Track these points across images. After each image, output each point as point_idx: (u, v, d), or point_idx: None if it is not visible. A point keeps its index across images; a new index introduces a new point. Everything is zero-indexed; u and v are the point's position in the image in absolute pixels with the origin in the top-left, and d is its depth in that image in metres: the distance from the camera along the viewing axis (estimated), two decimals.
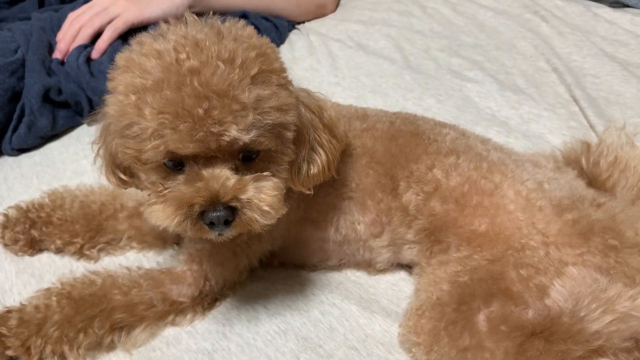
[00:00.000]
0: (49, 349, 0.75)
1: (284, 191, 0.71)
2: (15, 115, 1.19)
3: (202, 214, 0.65)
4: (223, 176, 0.66)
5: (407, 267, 0.86)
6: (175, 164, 0.68)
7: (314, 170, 0.75)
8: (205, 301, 0.82)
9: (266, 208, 0.67)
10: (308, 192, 0.77)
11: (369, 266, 0.86)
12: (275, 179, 0.69)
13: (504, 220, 0.73)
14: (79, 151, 1.19)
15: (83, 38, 1.28)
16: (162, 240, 0.95)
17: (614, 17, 1.49)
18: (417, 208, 0.78)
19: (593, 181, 0.84)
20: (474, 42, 1.49)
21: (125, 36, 1.29)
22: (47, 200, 0.97)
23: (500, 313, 0.67)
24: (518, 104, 1.22)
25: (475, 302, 0.69)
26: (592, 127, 1.12)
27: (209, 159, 0.66)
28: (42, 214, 0.95)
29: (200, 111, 0.61)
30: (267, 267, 0.89)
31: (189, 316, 0.81)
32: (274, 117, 0.65)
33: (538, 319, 0.66)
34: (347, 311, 0.80)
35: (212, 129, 0.62)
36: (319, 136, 0.75)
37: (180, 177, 0.68)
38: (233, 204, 0.65)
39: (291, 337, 0.77)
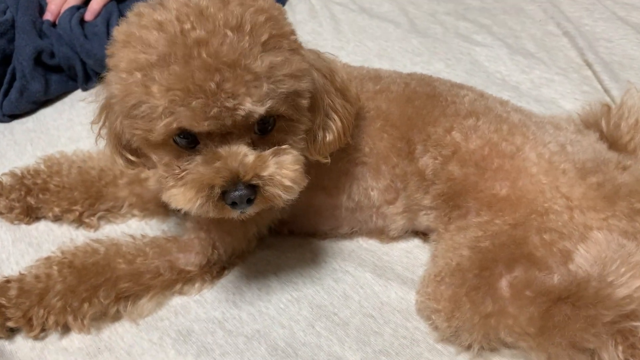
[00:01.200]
0: (52, 319, 0.73)
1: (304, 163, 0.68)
2: (6, 80, 1.15)
3: (223, 194, 0.63)
4: (241, 153, 0.63)
5: (421, 234, 0.84)
6: (189, 142, 0.64)
7: (329, 137, 0.72)
8: (213, 270, 0.80)
9: (289, 183, 0.65)
10: (325, 161, 0.74)
11: (381, 234, 0.84)
12: (295, 152, 0.67)
13: (526, 183, 0.70)
14: (73, 117, 1.15)
15: None
16: (165, 208, 0.92)
17: None
18: (435, 172, 0.76)
19: (614, 144, 0.82)
20: (481, 5, 1.45)
21: None
22: (42, 166, 0.94)
23: (524, 278, 0.66)
24: (529, 68, 1.19)
25: (498, 268, 0.67)
26: (606, 91, 1.09)
27: (224, 135, 0.63)
28: (39, 181, 0.91)
29: (213, 85, 0.58)
30: (276, 235, 0.86)
31: (197, 285, 0.79)
32: (288, 84, 0.62)
33: (564, 284, 0.64)
34: (361, 278, 0.78)
35: (227, 104, 0.58)
36: (332, 101, 0.72)
37: (197, 158, 0.64)
38: (254, 182, 0.63)
39: (304, 305, 0.75)
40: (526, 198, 0.70)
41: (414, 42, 1.29)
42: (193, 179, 0.64)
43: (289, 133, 0.67)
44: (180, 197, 0.64)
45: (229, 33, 0.59)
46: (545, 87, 1.14)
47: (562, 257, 0.67)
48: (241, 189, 0.62)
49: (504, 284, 0.66)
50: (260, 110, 0.60)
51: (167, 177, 0.66)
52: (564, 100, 1.10)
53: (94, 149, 0.99)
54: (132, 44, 0.61)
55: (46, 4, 1.24)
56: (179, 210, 0.90)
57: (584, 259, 0.66)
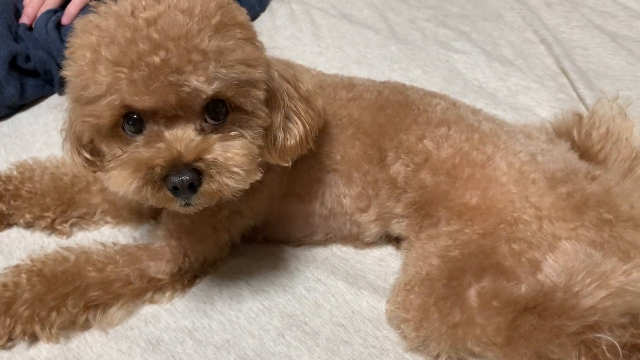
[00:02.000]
0: (18, 329, 0.71)
1: (259, 157, 0.67)
2: None
3: (164, 179, 0.61)
4: (187, 137, 0.62)
5: (395, 241, 0.84)
6: (136, 129, 0.63)
7: (290, 141, 0.71)
8: (184, 278, 0.79)
9: (235, 169, 0.62)
10: (286, 165, 0.73)
11: (356, 240, 0.84)
12: (244, 140, 0.65)
13: (496, 193, 0.71)
14: (49, 122, 1.14)
15: (52, 3, 1.22)
16: (138, 214, 0.92)
17: None
18: (407, 180, 0.76)
19: (584, 153, 0.83)
20: (461, 12, 1.46)
21: None
22: (15, 172, 0.93)
23: (492, 288, 0.66)
24: (506, 76, 1.20)
25: (466, 277, 0.67)
26: (581, 99, 1.10)
27: (170, 118, 0.62)
28: (10, 187, 0.90)
29: (157, 59, 0.57)
30: (250, 242, 0.86)
31: (167, 294, 0.78)
32: (240, 71, 0.61)
33: (531, 294, 0.64)
34: (333, 287, 0.78)
35: (170, 78, 0.58)
36: (295, 105, 0.72)
37: (139, 138, 0.63)
38: (197, 165, 0.60)
39: (275, 315, 0.75)
40: (496, 207, 0.70)
41: (393, 49, 1.30)
42: (130, 158, 0.62)
43: (243, 127, 0.66)
44: (117, 178, 0.63)
45: (179, 14, 0.59)
46: (522, 95, 1.15)
47: (530, 267, 0.67)
48: (183, 173, 0.60)
49: (472, 293, 0.66)
50: (207, 90, 0.59)
51: (110, 162, 0.65)
52: (540, 108, 1.11)
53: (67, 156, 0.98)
54: (87, 30, 0.62)
55: (22, 7, 1.23)
56: (153, 218, 0.91)
57: (552, 269, 0.66)
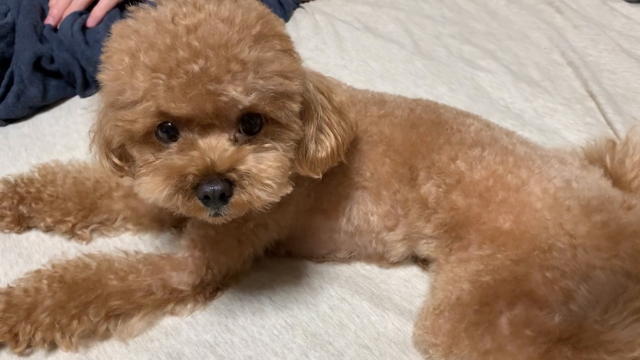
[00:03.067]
0: (39, 336, 0.71)
1: (290, 169, 0.66)
2: (4, 83, 1.13)
3: (196, 188, 0.60)
4: (221, 146, 0.62)
5: (421, 262, 0.83)
6: (170, 136, 0.63)
7: (322, 153, 0.71)
8: (207, 290, 0.78)
9: (267, 181, 0.62)
10: (316, 177, 0.72)
11: (381, 259, 0.83)
12: (278, 152, 0.65)
13: (530, 218, 0.70)
14: (70, 124, 1.14)
15: (78, 4, 1.22)
16: (160, 223, 0.91)
17: (631, 13, 1.46)
18: (438, 201, 0.75)
19: (617, 181, 0.82)
20: (486, 29, 1.46)
21: (123, 4, 1.23)
22: (37, 175, 0.92)
23: (525, 317, 0.65)
24: (532, 97, 1.19)
25: (498, 304, 0.66)
26: (609, 124, 1.09)
27: (205, 127, 0.62)
28: (32, 190, 0.90)
29: (196, 67, 0.57)
30: (272, 256, 0.85)
31: (189, 306, 0.77)
32: (277, 82, 0.61)
33: (564, 324, 0.63)
34: (358, 307, 0.77)
35: (209, 87, 0.57)
36: (328, 117, 0.71)
37: (173, 145, 0.63)
38: (229, 175, 0.60)
39: (299, 333, 0.74)
40: (529, 233, 0.69)
41: (418, 64, 1.29)
42: (163, 165, 0.62)
43: (276, 139, 0.65)
44: (148, 184, 0.62)
45: (220, 23, 0.59)
46: (549, 117, 1.14)
47: (563, 296, 0.66)
48: (216, 183, 0.60)
49: (503, 321, 0.65)
50: (245, 100, 0.59)
51: (141, 168, 0.65)
52: (567, 131, 1.10)
53: (89, 158, 0.97)
54: (126, 35, 0.61)
55: (48, 8, 1.23)
56: (174, 227, 0.90)
57: (585, 299, 0.65)
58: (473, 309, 0.66)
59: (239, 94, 0.58)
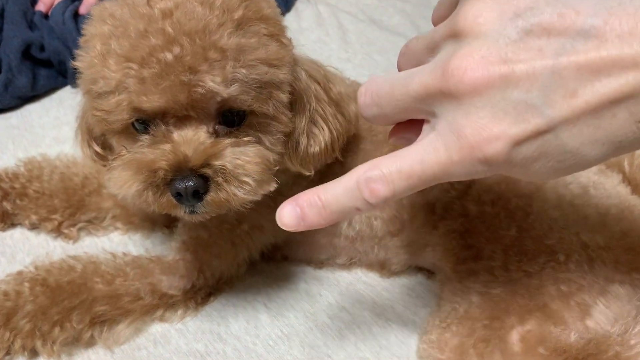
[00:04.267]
0: (18, 343, 0.67)
1: (276, 165, 0.62)
2: None
3: (169, 183, 0.56)
4: (196, 140, 0.57)
5: (425, 270, 0.79)
6: (145, 127, 0.59)
7: (314, 148, 0.66)
8: (198, 295, 0.74)
9: (245, 178, 0.57)
10: (308, 174, 0.68)
11: (382, 268, 0.79)
12: (259, 146, 0.60)
13: (545, 228, 0.66)
14: (60, 116, 1.09)
15: None
16: (151, 222, 0.87)
17: None
18: (446, 207, 0.71)
19: (636, 188, 0.77)
20: None
21: None
22: (22, 169, 0.88)
23: (538, 333, 0.61)
24: None
25: (509, 319, 0.62)
26: None
27: (181, 119, 0.57)
28: (17, 185, 0.85)
29: (169, 56, 0.52)
30: (268, 261, 0.81)
31: (180, 312, 0.73)
32: (261, 71, 0.56)
33: (581, 342, 0.59)
34: (359, 317, 0.73)
35: (182, 77, 0.53)
36: (322, 109, 0.66)
37: (145, 138, 0.59)
38: (204, 171, 0.56)
39: (296, 344, 0.70)
40: (544, 244, 0.65)
41: None
42: (132, 159, 0.58)
43: (262, 131, 0.61)
44: (117, 180, 0.58)
45: (198, 6, 0.54)
46: None
47: (579, 311, 0.62)
48: (189, 179, 0.55)
49: (515, 337, 0.61)
50: (223, 92, 0.54)
51: (113, 162, 0.61)
52: None
53: (78, 152, 0.93)
54: (102, 18, 0.57)
55: None
56: (166, 226, 0.86)
57: (603, 315, 0.61)
58: (482, 324, 0.62)
59: (216, 85, 0.53)
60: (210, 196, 0.57)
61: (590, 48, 0.35)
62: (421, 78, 0.41)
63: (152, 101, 0.54)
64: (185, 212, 0.59)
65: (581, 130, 0.37)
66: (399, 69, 0.48)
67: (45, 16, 1.16)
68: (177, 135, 0.58)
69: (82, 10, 1.16)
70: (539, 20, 0.37)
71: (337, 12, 1.43)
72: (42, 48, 1.12)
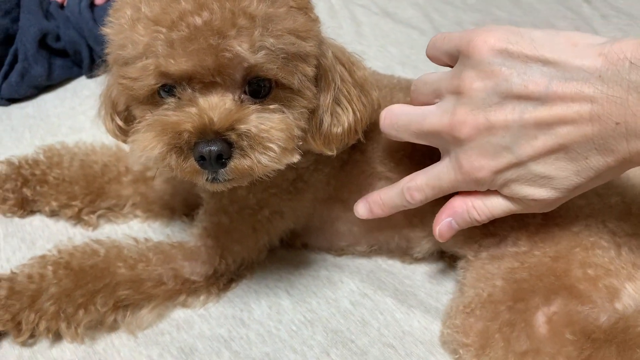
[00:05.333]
0: (43, 325, 0.67)
1: (300, 140, 0.62)
2: (7, 61, 1.10)
3: (192, 148, 0.56)
4: (222, 105, 0.58)
5: (448, 257, 0.79)
6: (171, 92, 0.59)
7: (337, 127, 0.66)
8: (220, 281, 0.75)
9: (269, 144, 0.57)
10: (330, 153, 0.68)
11: (404, 254, 0.80)
12: (286, 114, 0.60)
13: (571, 215, 0.66)
14: (76, 106, 1.10)
15: None
16: (170, 210, 0.88)
17: None
18: None
19: None
20: (509, 17, 1.42)
21: None
22: (42, 156, 0.89)
23: (564, 314, 0.61)
24: None
25: (534, 300, 0.62)
26: None
27: (208, 85, 0.58)
28: (37, 172, 0.86)
29: (199, 20, 0.53)
30: (288, 248, 0.82)
31: (202, 297, 0.74)
32: (288, 42, 0.56)
33: (609, 323, 0.60)
34: (381, 303, 0.73)
35: (211, 41, 0.53)
36: (347, 90, 0.67)
37: (171, 102, 0.59)
38: (228, 135, 0.56)
39: (319, 329, 0.70)
40: (570, 230, 0.65)
41: None
42: (157, 120, 0.58)
43: (286, 105, 0.61)
44: (140, 142, 0.58)
45: None
46: None
47: (607, 293, 0.62)
48: (213, 143, 0.55)
49: (540, 319, 0.61)
50: (251, 58, 0.54)
51: (137, 126, 0.61)
52: None
53: (96, 141, 0.94)
54: None
55: None
56: (185, 214, 0.87)
57: (632, 299, 0.62)
58: (506, 306, 0.63)
59: (244, 50, 0.54)
60: (233, 162, 0.57)
61: (544, 109, 0.54)
62: (432, 120, 0.61)
63: (179, 64, 0.54)
64: (207, 179, 0.58)
65: (545, 161, 0.56)
66: (413, 102, 0.67)
67: (61, 6, 1.17)
68: (203, 100, 0.58)
69: (98, 0, 1.17)
70: (511, 89, 0.55)
71: (349, 4, 1.44)
72: (57, 38, 1.13)
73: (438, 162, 0.64)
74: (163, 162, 0.58)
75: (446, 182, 0.63)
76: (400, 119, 0.65)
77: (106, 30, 0.59)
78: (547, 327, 0.61)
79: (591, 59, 0.52)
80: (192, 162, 0.57)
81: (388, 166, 0.75)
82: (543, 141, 0.55)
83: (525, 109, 0.55)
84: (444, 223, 0.65)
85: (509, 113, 0.55)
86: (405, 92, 0.79)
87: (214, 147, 0.55)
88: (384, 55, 1.26)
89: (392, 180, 0.74)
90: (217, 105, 0.57)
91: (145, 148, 0.58)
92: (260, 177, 0.60)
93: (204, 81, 0.57)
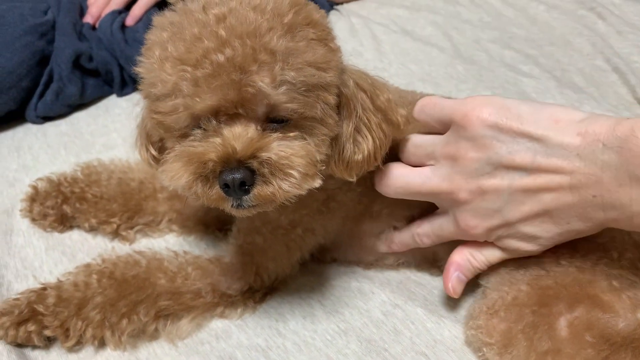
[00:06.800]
0: (89, 332, 0.72)
1: (322, 165, 0.65)
2: (43, 81, 1.15)
3: (218, 176, 0.59)
4: (245, 135, 0.61)
5: None
6: (198, 126, 0.63)
7: (358, 155, 0.69)
8: (256, 295, 0.79)
9: (289, 170, 0.60)
10: (351, 180, 0.71)
11: (432, 266, 0.83)
12: (306, 141, 0.63)
13: None
14: (108, 123, 1.15)
15: (117, 3, 1.24)
16: (204, 225, 0.92)
17: None
18: None
19: None
20: (526, 35, 1.45)
21: (162, 3, 1.25)
22: (80, 174, 0.94)
23: (586, 319, 0.64)
24: (579, 103, 1.18)
25: (558, 306, 0.66)
26: None
27: (232, 117, 0.61)
28: (76, 189, 0.91)
29: (221, 57, 0.57)
30: (318, 262, 0.85)
31: (239, 310, 0.78)
32: (309, 74, 0.59)
33: (628, 329, 0.63)
34: (412, 313, 0.76)
35: (233, 77, 0.57)
36: (367, 118, 0.69)
37: (197, 133, 0.63)
38: (250, 163, 0.59)
39: (353, 338, 0.74)
40: (596, 242, 0.68)
41: (459, 68, 1.29)
42: (183, 151, 0.62)
43: (308, 132, 0.63)
44: (169, 171, 0.62)
45: (250, 11, 0.59)
46: None
47: (631, 304, 0.65)
48: (236, 171, 0.58)
49: (562, 323, 0.65)
50: (273, 94, 0.58)
51: (167, 156, 0.65)
52: None
53: (130, 158, 0.99)
54: (161, 26, 0.62)
55: (87, 6, 1.25)
56: (218, 229, 0.91)
57: None
58: (531, 310, 0.66)
59: (265, 85, 0.57)
60: (257, 189, 0.60)
61: (529, 179, 0.62)
62: (431, 185, 0.70)
63: (204, 100, 0.58)
64: (232, 205, 0.62)
65: (532, 224, 0.65)
66: (405, 161, 0.74)
67: (94, 27, 1.22)
68: (227, 130, 0.61)
69: (129, 22, 1.22)
70: (501, 161, 0.63)
71: (369, 23, 1.48)
72: (90, 58, 1.18)
73: (439, 213, 0.74)
74: (190, 191, 0.62)
75: (447, 233, 0.73)
76: (398, 181, 0.72)
77: (138, 69, 0.63)
78: (568, 330, 0.64)
79: (570, 137, 0.60)
80: (217, 190, 0.60)
81: None
82: (530, 206, 0.63)
83: (514, 178, 0.63)
84: (454, 278, 0.73)
85: (499, 181, 0.64)
86: None
87: (237, 175, 0.59)
88: (405, 73, 1.29)
89: None
90: (240, 135, 0.61)
91: (173, 177, 0.62)
92: (284, 203, 0.64)
93: (229, 113, 0.61)
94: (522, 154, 0.62)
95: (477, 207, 0.67)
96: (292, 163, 0.60)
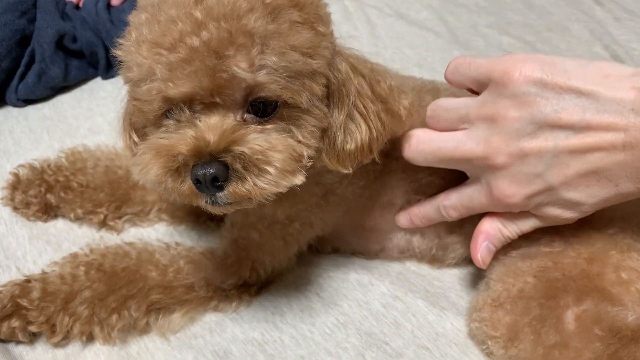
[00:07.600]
0: (77, 328, 0.69)
1: (309, 159, 0.60)
2: (24, 62, 1.10)
3: (190, 170, 0.56)
4: (221, 126, 0.57)
5: None
6: (172, 116, 0.59)
7: (350, 145, 0.63)
8: (252, 290, 0.76)
9: (265, 166, 0.56)
10: (346, 172, 0.66)
11: (435, 260, 0.81)
12: (287, 135, 0.58)
13: (606, 218, 0.68)
14: (93, 107, 1.11)
15: None
16: (195, 215, 0.88)
17: None
18: None
19: None
20: (523, 20, 1.43)
21: None
22: (65, 161, 0.90)
23: (594, 312, 0.63)
24: None
25: (565, 299, 0.64)
26: None
27: (209, 106, 0.57)
28: (61, 178, 0.87)
29: (196, 41, 0.53)
30: (317, 253, 0.83)
31: (234, 304, 0.75)
32: (292, 59, 0.55)
33: (636, 322, 0.61)
34: (413, 306, 0.75)
35: (207, 62, 0.53)
36: (363, 104, 0.64)
37: (170, 123, 0.59)
38: (224, 157, 0.55)
39: (352, 332, 0.72)
40: (606, 233, 0.67)
41: (456, 54, 1.27)
42: (153, 143, 0.59)
43: (294, 124, 0.59)
44: (138, 164, 0.59)
45: None
46: None
47: (639, 297, 0.64)
48: (208, 165, 0.54)
49: (570, 317, 0.63)
50: (249, 78, 0.54)
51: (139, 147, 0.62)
52: None
53: (117, 144, 0.95)
54: (142, 7, 0.58)
55: None
56: (210, 220, 0.88)
57: None
58: (538, 302, 0.65)
59: (241, 69, 0.53)
60: (232, 186, 0.56)
61: (577, 138, 0.57)
62: (465, 148, 0.64)
63: (178, 86, 0.54)
64: (207, 202, 0.58)
65: (576, 188, 0.60)
66: (431, 126, 0.69)
67: (77, 7, 1.18)
68: (203, 121, 0.57)
69: (115, 1, 1.18)
70: (546, 119, 0.58)
71: (363, 6, 1.45)
72: (74, 39, 1.14)
73: (469, 183, 0.69)
74: (160, 185, 0.58)
75: (477, 204, 0.68)
76: (427, 146, 0.67)
77: (117, 51, 0.59)
78: (576, 323, 0.63)
79: (624, 92, 0.55)
80: (189, 185, 0.56)
81: (426, 172, 0.75)
82: (575, 168, 0.58)
83: (559, 138, 0.58)
84: (483, 247, 0.69)
85: (543, 142, 0.59)
86: (432, 94, 0.80)
87: (209, 170, 0.54)
88: (401, 58, 1.27)
89: (433, 184, 0.76)
90: (215, 126, 0.57)
91: (142, 171, 0.58)
92: (262, 201, 0.59)
93: (205, 102, 0.57)
94: (570, 111, 0.57)
95: (515, 172, 0.61)
96: (268, 158, 0.56)
